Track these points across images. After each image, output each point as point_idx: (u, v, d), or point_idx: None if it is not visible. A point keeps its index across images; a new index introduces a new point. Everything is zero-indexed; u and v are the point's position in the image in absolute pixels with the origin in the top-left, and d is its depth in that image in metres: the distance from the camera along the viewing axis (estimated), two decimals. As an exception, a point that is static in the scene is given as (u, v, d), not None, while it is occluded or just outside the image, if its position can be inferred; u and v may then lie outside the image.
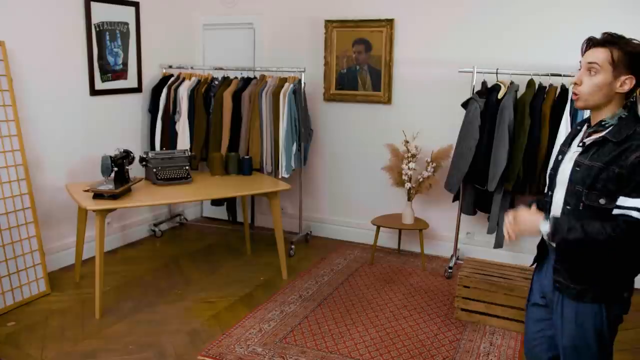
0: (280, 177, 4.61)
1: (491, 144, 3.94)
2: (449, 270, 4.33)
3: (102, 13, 4.41)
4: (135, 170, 4.06)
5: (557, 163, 1.93)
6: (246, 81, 4.84)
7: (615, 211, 1.71)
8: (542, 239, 1.98)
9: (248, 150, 4.72)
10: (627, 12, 3.92)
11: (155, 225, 5.17)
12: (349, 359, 3.11)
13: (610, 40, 1.73)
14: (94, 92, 4.43)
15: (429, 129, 4.53)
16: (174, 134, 4.90)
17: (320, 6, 4.87)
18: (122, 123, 4.78)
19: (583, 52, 1.80)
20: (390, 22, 4.61)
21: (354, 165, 5.02)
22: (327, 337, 3.33)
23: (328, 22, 4.83)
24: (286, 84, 4.57)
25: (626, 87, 1.74)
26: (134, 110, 4.92)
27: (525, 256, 4.45)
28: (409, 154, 4.41)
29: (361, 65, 4.81)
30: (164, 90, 4.86)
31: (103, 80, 4.52)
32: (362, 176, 5.00)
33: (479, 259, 3.94)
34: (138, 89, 4.90)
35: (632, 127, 1.73)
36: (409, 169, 4.40)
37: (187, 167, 4.20)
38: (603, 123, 1.79)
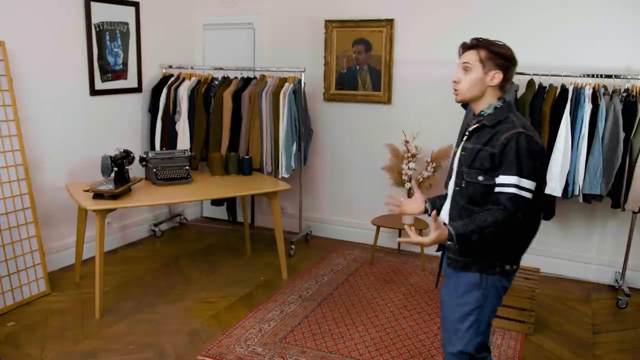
0: (280, 177, 4.61)
1: (491, 144, 3.94)
2: (449, 270, 4.32)
3: (102, 13, 4.41)
4: (135, 170, 4.06)
5: (454, 154, 2.20)
6: (246, 81, 4.84)
7: (496, 189, 1.94)
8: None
9: (248, 150, 4.72)
10: (627, 12, 3.92)
11: (155, 225, 5.17)
12: (349, 359, 3.11)
13: (477, 44, 2.03)
14: (94, 92, 4.43)
15: (429, 129, 4.53)
16: (174, 134, 4.90)
17: (320, 6, 4.87)
18: (122, 123, 4.78)
19: (459, 56, 2.10)
20: (390, 22, 4.61)
21: (354, 165, 5.02)
22: (327, 337, 3.33)
23: (328, 22, 4.83)
24: (286, 84, 4.57)
25: (495, 81, 2.03)
26: (134, 110, 4.92)
27: (525, 256, 4.44)
28: (409, 154, 4.41)
29: (361, 65, 4.81)
30: (164, 90, 4.86)
31: (103, 80, 4.52)
32: (362, 176, 4.99)
33: (479, 259, 3.94)
34: (138, 89, 4.90)
35: (505, 114, 2.02)
36: (409, 169, 4.40)
37: (187, 167, 4.20)
38: (482, 113, 2.08)
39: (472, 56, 2.03)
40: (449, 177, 2.20)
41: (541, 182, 2.02)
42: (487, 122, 2.02)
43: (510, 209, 1.90)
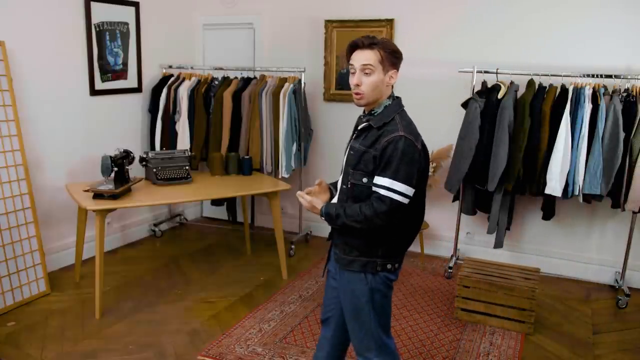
0: (280, 177, 4.61)
1: (491, 144, 3.94)
2: (449, 270, 4.33)
3: (102, 13, 4.41)
4: (135, 170, 4.06)
5: (345, 151, 2.18)
6: (246, 81, 4.84)
7: (372, 188, 1.96)
8: None
9: (248, 150, 4.72)
10: (627, 12, 3.92)
11: (155, 225, 5.17)
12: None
13: (374, 43, 1.97)
14: (94, 92, 4.43)
15: (429, 129, 4.50)
16: (174, 134, 4.89)
17: (320, 6, 4.87)
18: (122, 123, 4.78)
19: (348, 57, 2.02)
20: (390, 22, 4.61)
21: (354, 165, 5.01)
22: (327, 337, 3.32)
23: (328, 22, 4.83)
24: (286, 84, 4.57)
25: (393, 80, 2.03)
26: (134, 110, 4.92)
27: (525, 256, 4.46)
28: (409, 154, 4.40)
29: (361, 65, 4.80)
30: (164, 90, 4.86)
31: (103, 80, 4.52)
32: (362, 176, 4.98)
33: (479, 259, 3.94)
34: (138, 89, 4.90)
35: (391, 115, 2.00)
36: (409, 169, 4.39)
37: (187, 167, 4.20)
38: (373, 112, 2.04)
39: (371, 57, 1.96)
40: (341, 171, 2.19)
41: (419, 188, 2.02)
42: (374, 123, 2.00)
43: (376, 208, 1.92)
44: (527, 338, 3.38)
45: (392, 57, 2.00)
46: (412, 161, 1.93)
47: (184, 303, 3.77)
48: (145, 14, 4.85)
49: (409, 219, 2.06)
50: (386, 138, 1.93)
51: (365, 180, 1.99)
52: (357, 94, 2.01)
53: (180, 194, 3.87)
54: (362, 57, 1.97)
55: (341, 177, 2.15)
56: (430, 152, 4.44)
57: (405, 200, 1.94)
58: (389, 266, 2.07)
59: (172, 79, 4.96)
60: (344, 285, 2.13)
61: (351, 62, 2.02)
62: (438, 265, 4.57)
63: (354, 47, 2.01)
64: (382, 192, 1.92)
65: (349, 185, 2.06)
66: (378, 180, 1.94)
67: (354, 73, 2.02)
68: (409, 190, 1.94)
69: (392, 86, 2.06)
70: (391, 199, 1.91)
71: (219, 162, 4.40)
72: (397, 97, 2.08)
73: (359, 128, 2.09)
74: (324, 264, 2.36)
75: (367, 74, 1.98)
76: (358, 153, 2.02)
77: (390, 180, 1.91)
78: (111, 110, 4.64)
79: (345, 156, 2.12)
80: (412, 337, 3.37)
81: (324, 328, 2.36)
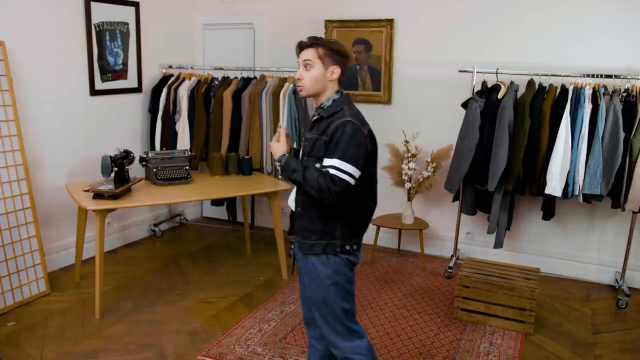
0: (280, 177, 4.61)
1: (491, 144, 3.94)
2: (449, 270, 4.33)
3: (102, 13, 4.41)
4: (135, 170, 4.06)
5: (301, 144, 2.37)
6: (246, 81, 4.84)
7: (323, 170, 2.09)
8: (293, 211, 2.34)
9: (248, 150, 4.72)
10: (627, 12, 3.92)
11: (155, 225, 5.17)
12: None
13: (315, 42, 2.18)
14: (94, 92, 4.43)
15: (429, 129, 4.53)
16: (174, 134, 4.90)
17: (320, 6, 4.87)
18: (122, 123, 4.78)
19: (298, 55, 2.22)
20: (390, 22, 4.61)
21: (354, 165, 5.01)
22: (327, 337, 3.32)
23: (328, 22, 4.83)
24: (286, 84, 4.57)
25: (335, 76, 2.19)
26: (134, 110, 4.92)
27: (525, 256, 4.46)
28: (409, 154, 4.41)
29: (361, 65, 4.81)
30: (164, 90, 4.86)
31: (103, 80, 4.52)
32: (362, 176, 4.98)
33: (479, 259, 3.94)
34: (138, 89, 4.90)
35: (340, 106, 2.17)
36: (409, 169, 4.40)
37: (187, 167, 4.20)
38: (322, 105, 2.22)
39: (311, 54, 2.17)
40: None
41: (367, 170, 2.17)
42: (325, 114, 2.18)
43: (329, 184, 2.05)
44: (527, 338, 3.38)
45: (334, 55, 2.18)
46: (359, 144, 2.10)
47: (184, 303, 3.77)
48: (145, 14, 4.85)
49: (361, 201, 2.21)
50: (335, 123, 2.11)
51: (318, 165, 2.13)
52: (298, 86, 2.22)
53: (180, 194, 3.87)
54: (304, 54, 2.19)
55: None
56: (430, 152, 4.45)
57: (352, 181, 2.08)
58: (347, 247, 2.21)
59: (172, 79, 4.96)
60: (309, 270, 2.24)
61: (298, 60, 2.23)
62: (438, 265, 4.57)
63: (299, 46, 2.22)
64: (332, 171, 2.06)
65: None
66: (327, 161, 2.08)
67: (299, 68, 2.23)
68: (355, 172, 2.08)
69: (341, 82, 2.24)
70: (340, 178, 2.05)
71: (219, 162, 4.40)
72: (346, 94, 2.25)
73: (312, 121, 2.27)
74: (292, 262, 2.43)
75: (307, 68, 2.18)
76: (311, 142, 2.19)
77: (339, 161, 2.06)
78: (111, 110, 4.64)
79: (302, 149, 2.29)
80: (412, 337, 3.37)
81: (309, 330, 2.45)
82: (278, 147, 2.25)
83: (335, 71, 2.19)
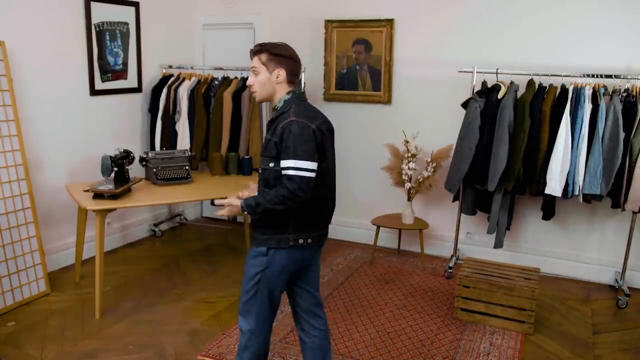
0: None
1: (491, 144, 3.94)
2: (449, 270, 4.33)
3: (102, 13, 4.41)
4: (135, 170, 4.06)
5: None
6: (246, 81, 4.83)
7: (282, 172, 2.19)
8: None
9: (248, 150, 4.72)
10: (627, 12, 3.92)
11: (155, 225, 5.17)
12: (349, 358, 3.11)
13: (259, 50, 2.29)
14: (94, 92, 4.43)
15: (429, 129, 4.53)
16: (174, 134, 4.89)
17: (320, 6, 4.87)
18: (122, 123, 4.78)
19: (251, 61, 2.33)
20: (390, 22, 4.61)
21: (354, 165, 5.01)
22: (327, 337, 3.32)
23: (328, 22, 4.83)
24: (286, 84, 4.56)
25: (280, 78, 2.29)
26: (134, 110, 4.92)
27: (525, 256, 4.46)
28: (409, 154, 4.41)
29: (361, 65, 4.81)
30: (164, 90, 4.86)
31: (103, 80, 4.52)
32: (362, 176, 4.99)
33: (479, 259, 3.94)
34: (138, 89, 4.90)
35: (289, 106, 2.28)
36: (409, 169, 4.40)
37: (187, 167, 4.20)
38: (275, 107, 2.35)
39: (256, 61, 2.29)
40: None
41: (322, 162, 2.28)
42: (275, 115, 2.32)
43: (289, 188, 2.15)
44: (527, 338, 3.38)
45: (276, 58, 2.27)
46: (308, 140, 2.19)
47: (184, 303, 3.77)
48: (145, 14, 4.85)
49: (314, 195, 2.26)
50: (281, 125, 2.22)
51: (271, 164, 2.25)
52: (252, 92, 2.36)
53: (180, 194, 3.87)
54: (252, 62, 2.32)
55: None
56: (430, 152, 4.45)
57: (312, 174, 2.20)
58: (300, 241, 2.31)
59: (172, 79, 4.96)
60: (249, 254, 2.39)
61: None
62: (438, 265, 4.57)
63: (250, 54, 2.34)
64: (290, 172, 2.17)
65: (260, 171, 2.34)
66: (283, 163, 2.19)
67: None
68: (313, 165, 2.20)
69: (295, 82, 2.34)
70: (300, 176, 2.16)
71: (219, 162, 4.40)
72: (297, 92, 2.35)
73: (267, 122, 2.41)
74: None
75: (255, 75, 2.31)
76: (265, 142, 2.31)
77: (294, 161, 2.17)
78: (111, 110, 4.64)
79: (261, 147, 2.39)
80: (412, 337, 3.37)
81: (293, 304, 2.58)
82: (233, 201, 2.31)
83: (281, 74, 2.28)
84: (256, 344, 2.43)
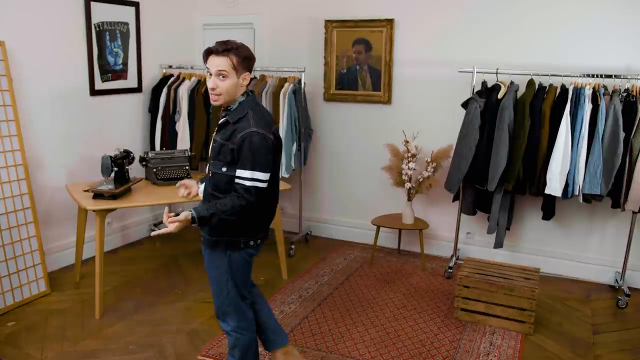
0: (280, 177, 4.60)
1: (491, 144, 3.94)
2: (449, 270, 4.33)
3: (102, 13, 4.41)
4: (135, 170, 4.06)
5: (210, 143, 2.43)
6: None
7: (236, 180, 2.20)
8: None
9: (248, 150, 4.71)
10: (627, 12, 3.92)
11: (155, 225, 5.17)
12: (349, 359, 3.11)
13: (228, 49, 2.16)
14: (94, 92, 4.43)
15: (429, 129, 4.53)
16: (174, 134, 4.89)
17: (320, 6, 4.87)
18: (122, 123, 4.78)
19: (205, 61, 2.22)
20: (390, 22, 4.61)
21: (354, 165, 5.02)
22: (327, 337, 3.33)
23: (328, 22, 4.83)
24: (286, 84, 4.57)
25: (246, 82, 2.25)
26: (134, 110, 4.92)
27: (525, 256, 4.46)
28: (409, 154, 4.41)
29: (361, 65, 4.81)
30: (164, 90, 4.86)
31: (103, 80, 4.52)
32: (362, 176, 4.99)
33: (479, 259, 3.94)
34: (138, 89, 4.90)
35: (246, 110, 2.23)
36: (409, 169, 4.40)
37: (187, 167, 4.20)
38: (229, 108, 2.28)
39: (225, 63, 2.16)
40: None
41: (275, 172, 2.34)
42: (231, 119, 2.24)
43: (247, 198, 2.18)
44: (527, 338, 3.38)
45: (245, 61, 2.20)
46: (267, 152, 2.21)
47: (184, 303, 3.77)
48: (145, 14, 4.85)
49: (265, 200, 2.32)
50: (241, 133, 2.18)
51: (224, 169, 2.23)
52: (212, 95, 2.23)
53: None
54: (217, 63, 2.17)
55: (207, 167, 2.42)
56: (430, 152, 4.45)
57: (264, 185, 2.23)
58: (251, 242, 2.37)
59: (172, 78, 4.96)
60: (207, 262, 2.44)
61: (207, 65, 2.21)
62: (438, 265, 4.57)
63: (209, 52, 2.20)
64: (247, 183, 2.18)
65: (210, 174, 2.32)
66: (240, 172, 2.19)
67: (210, 76, 2.22)
68: (267, 176, 2.23)
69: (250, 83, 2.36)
70: (255, 187, 2.19)
71: (219, 162, 4.39)
72: (251, 93, 2.31)
73: (219, 123, 2.32)
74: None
75: (222, 79, 2.18)
76: (218, 145, 2.26)
77: (251, 172, 2.18)
78: (111, 110, 4.64)
79: (210, 149, 2.36)
80: (412, 337, 3.37)
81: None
82: (182, 215, 2.21)
83: (247, 77, 2.24)
84: (243, 339, 2.49)
